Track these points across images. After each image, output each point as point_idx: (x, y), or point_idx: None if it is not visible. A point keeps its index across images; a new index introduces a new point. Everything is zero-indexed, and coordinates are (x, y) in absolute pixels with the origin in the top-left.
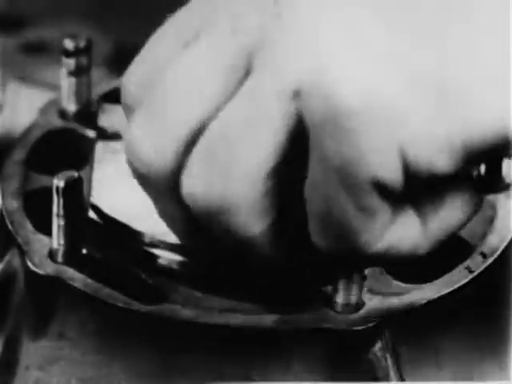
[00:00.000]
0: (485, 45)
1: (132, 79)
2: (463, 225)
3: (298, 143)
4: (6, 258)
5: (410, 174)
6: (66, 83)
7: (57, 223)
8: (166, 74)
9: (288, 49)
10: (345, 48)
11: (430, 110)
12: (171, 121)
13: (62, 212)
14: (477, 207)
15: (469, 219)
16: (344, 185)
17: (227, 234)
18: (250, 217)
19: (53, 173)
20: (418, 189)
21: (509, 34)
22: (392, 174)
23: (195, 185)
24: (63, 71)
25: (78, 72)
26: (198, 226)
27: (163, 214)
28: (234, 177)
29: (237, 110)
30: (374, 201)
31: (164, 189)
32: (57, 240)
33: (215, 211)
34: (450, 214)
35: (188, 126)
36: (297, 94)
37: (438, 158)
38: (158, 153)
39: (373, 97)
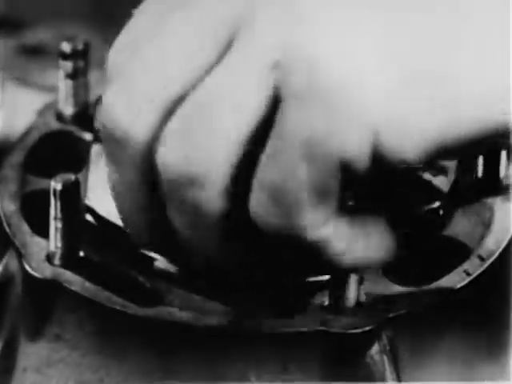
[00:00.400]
0: (484, 44)
1: (116, 48)
2: (378, 265)
3: (271, 116)
4: (4, 260)
5: (378, 158)
6: (64, 86)
7: (54, 226)
8: (147, 42)
9: (275, 23)
10: (334, 28)
11: (408, 97)
12: (151, 88)
13: (59, 215)
14: (397, 252)
15: (383, 262)
16: (308, 160)
17: (190, 209)
18: (217, 191)
19: (50, 175)
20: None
21: (509, 34)
22: (359, 154)
23: (169, 153)
24: (61, 74)
25: (76, 74)
26: (157, 203)
27: (120, 185)
28: (208, 147)
29: (217, 81)
30: (332, 184)
31: (137, 155)
32: (54, 243)
33: (184, 182)
34: (369, 249)
35: (168, 94)
36: (277, 65)
37: (410, 147)
38: (137, 120)
39: (353, 75)
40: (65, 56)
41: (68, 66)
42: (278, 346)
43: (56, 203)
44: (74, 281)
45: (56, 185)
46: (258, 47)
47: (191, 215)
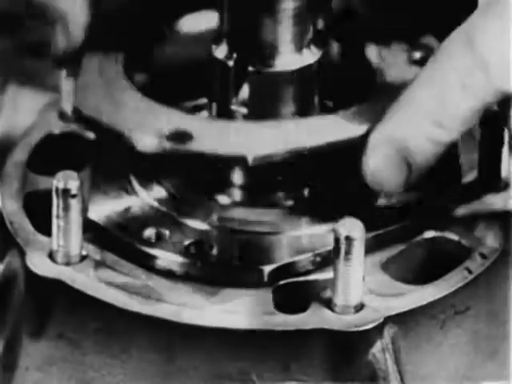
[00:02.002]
0: None
1: None
2: None
3: None
4: (6, 259)
5: None
6: (66, 85)
7: (56, 224)
8: None
9: None
10: None
11: None
12: None
13: (61, 213)
14: None
15: None
16: None
17: None
18: None
19: (53, 174)
20: None
21: None
22: None
23: None
24: (63, 73)
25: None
26: None
27: None
28: None
29: None
30: None
31: None
32: (56, 241)
33: None
34: None
35: None
36: None
37: None
38: None
39: None
40: None
41: None
42: (280, 344)
43: (58, 201)
44: (76, 279)
45: (58, 183)
46: None
47: None
